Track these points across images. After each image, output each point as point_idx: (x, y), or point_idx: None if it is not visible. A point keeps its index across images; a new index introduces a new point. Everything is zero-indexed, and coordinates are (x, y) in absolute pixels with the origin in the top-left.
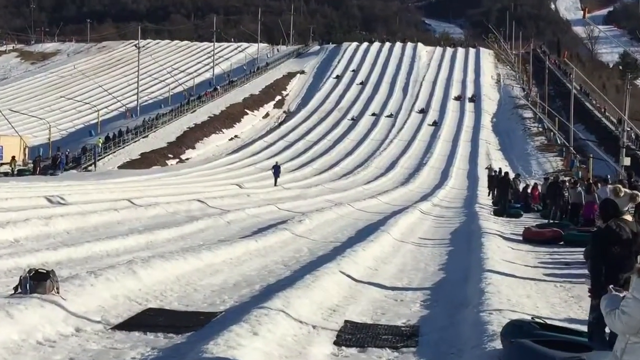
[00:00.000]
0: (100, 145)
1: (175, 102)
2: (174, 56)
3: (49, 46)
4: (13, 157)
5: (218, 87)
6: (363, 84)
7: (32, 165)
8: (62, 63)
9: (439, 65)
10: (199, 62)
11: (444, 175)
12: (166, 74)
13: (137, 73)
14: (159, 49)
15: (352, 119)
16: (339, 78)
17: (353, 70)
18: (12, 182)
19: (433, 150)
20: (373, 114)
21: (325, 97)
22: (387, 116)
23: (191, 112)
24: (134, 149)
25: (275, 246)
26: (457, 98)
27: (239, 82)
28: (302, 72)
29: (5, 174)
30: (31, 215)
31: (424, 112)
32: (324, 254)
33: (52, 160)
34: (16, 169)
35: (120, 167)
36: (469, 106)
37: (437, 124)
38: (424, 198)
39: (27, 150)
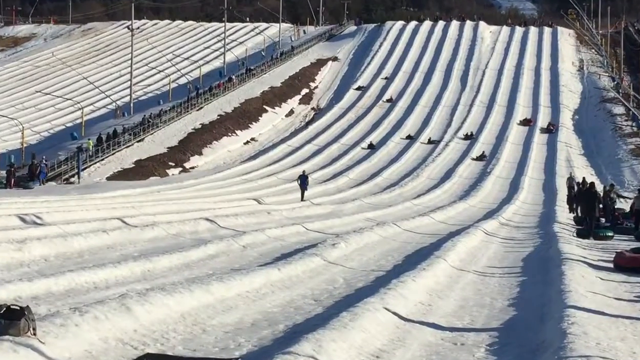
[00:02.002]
0: (91, 148)
1: (178, 97)
2: (176, 40)
3: (21, 29)
4: None
5: (233, 77)
6: (411, 72)
7: (4, 175)
8: (38, 50)
9: (506, 49)
10: (206, 48)
11: (514, 186)
12: (166, 63)
13: (130, 61)
14: (157, 32)
15: (398, 116)
16: (381, 66)
17: (398, 56)
18: None
19: (499, 155)
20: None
21: (364, 89)
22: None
23: (197, 110)
24: (126, 156)
25: (303, 276)
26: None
27: (256, 72)
28: (335, 58)
29: None
30: (0, 238)
31: (488, 107)
32: (364, 285)
33: (29, 169)
34: None
35: (109, 179)
36: (544, 99)
37: (505, 124)
38: (489, 216)
39: None
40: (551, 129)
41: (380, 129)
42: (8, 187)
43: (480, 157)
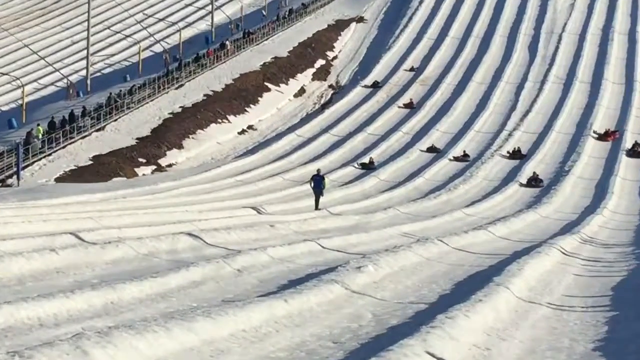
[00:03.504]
0: (40, 136)
1: (150, 70)
2: None
3: None
4: None
5: (227, 42)
6: (462, 38)
7: None
8: None
9: (590, 8)
10: (188, 5)
11: (600, 190)
12: (135, 25)
13: (86, 24)
14: None
15: (445, 96)
16: (422, 29)
17: (445, 16)
18: None
19: (581, 149)
20: (480, 87)
21: (399, 60)
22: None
23: (176, 88)
24: (81, 150)
25: (318, 310)
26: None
27: (255, 38)
28: (361, 19)
29: None
30: None
31: (566, 84)
32: (400, 323)
33: None
34: None
35: (59, 180)
36: None
37: (589, 105)
38: (567, 230)
39: None
40: None
41: (421, 113)
42: None
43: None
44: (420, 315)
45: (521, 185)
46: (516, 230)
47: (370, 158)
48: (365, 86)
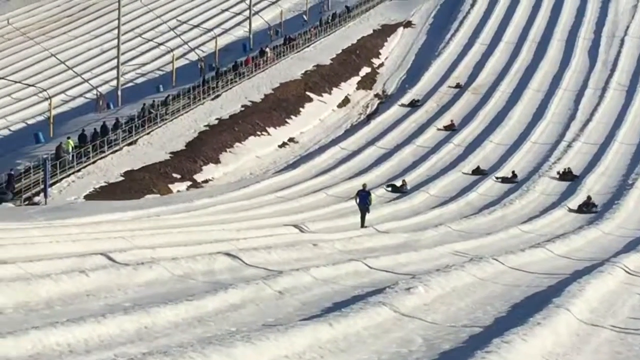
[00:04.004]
0: (70, 150)
1: (184, 80)
2: (180, 1)
3: None
4: None
5: (267, 49)
6: (517, 43)
7: None
8: None
9: None
10: (224, 11)
11: None
12: (168, 32)
13: (117, 31)
14: None
15: (498, 106)
16: (474, 34)
17: (499, 20)
18: None
19: None
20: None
21: (450, 67)
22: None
23: (212, 99)
24: (112, 165)
25: (365, 334)
26: None
27: (296, 44)
28: (408, 24)
29: None
30: None
31: (629, 91)
32: (452, 347)
33: None
34: None
35: (89, 197)
36: None
37: None
38: (632, 247)
39: None
40: None
41: (473, 124)
42: None
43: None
44: (474, 339)
45: (570, 210)
46: (576, 248)
47: (403, 180)
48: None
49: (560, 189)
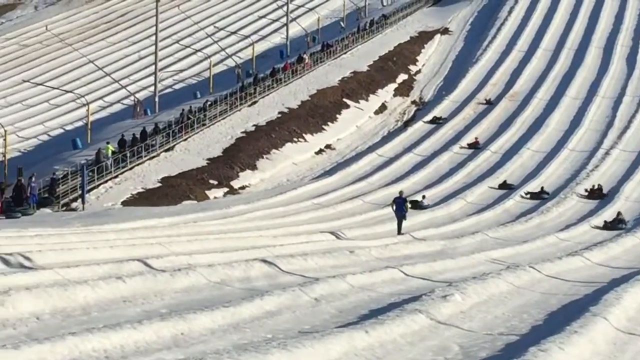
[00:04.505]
0: (110, 155)
1: (221, 86)
2: (218, 7)
3: None
4: None
5: (305, 56)
6: (555, 50)
7: None
8: (26, 23)
9: None
10: (261, 18)
11: None
12: (205, 39)
13: (154, 38)
14: None
15: (536, 112)
16: (511, 41)
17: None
18: None
19: None
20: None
21: (487, 74)
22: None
23: (249, 105)
24: (149, 171)
25: (401, 342)
26: None
27: (333, 51)
28: (445, 30)
29: None
30: None
31: None
32: (489, 356)
33: (14, 191)
34: None
35: (125, 203)
36: None
37: None
38: None
39: None
40: None
41: (511, 131)
42: None
43: None
44: (510, 347)
45: (594, 227)
46: (614, 256)
47: (423, 195)
48: (452, 101)
49: (589, 206)
